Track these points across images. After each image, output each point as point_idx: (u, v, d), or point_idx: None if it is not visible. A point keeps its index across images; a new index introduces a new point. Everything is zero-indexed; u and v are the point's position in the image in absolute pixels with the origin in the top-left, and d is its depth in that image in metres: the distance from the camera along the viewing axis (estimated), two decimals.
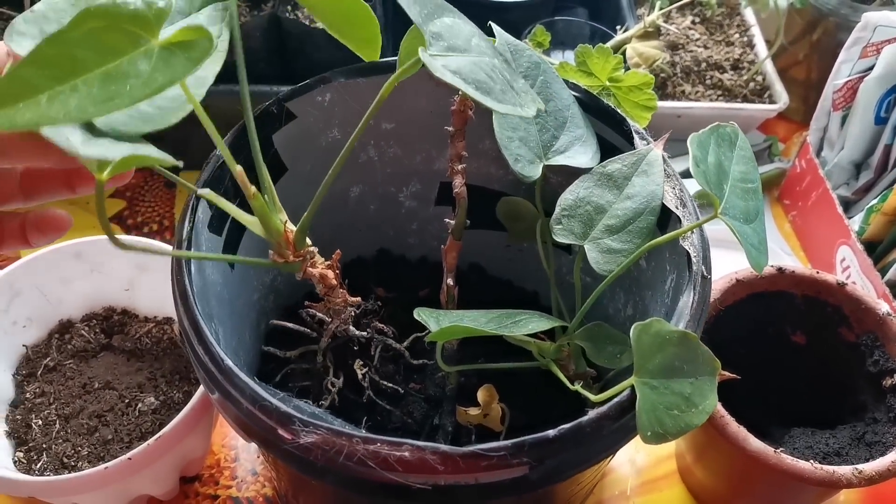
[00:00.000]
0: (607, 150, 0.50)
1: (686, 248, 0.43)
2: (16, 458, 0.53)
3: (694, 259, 0.43)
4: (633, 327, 0.38)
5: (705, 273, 0.43)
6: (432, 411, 0.53)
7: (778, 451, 0.48)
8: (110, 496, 0.51)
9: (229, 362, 0.39)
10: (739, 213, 0.42)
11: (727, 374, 0.40)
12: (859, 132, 0.69)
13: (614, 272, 0.43)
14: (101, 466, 0.47)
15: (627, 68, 0.66)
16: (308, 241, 0.42)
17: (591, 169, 0.46)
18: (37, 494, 0.47)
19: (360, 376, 0.51)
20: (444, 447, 0.35)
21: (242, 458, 0.61)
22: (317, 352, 0.52)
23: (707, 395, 0.38)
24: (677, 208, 0.45)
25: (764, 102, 0.81)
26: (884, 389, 0.54)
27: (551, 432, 0.36)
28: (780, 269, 0.56)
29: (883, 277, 0.64)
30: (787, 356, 0.60)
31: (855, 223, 0.68)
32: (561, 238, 0.44)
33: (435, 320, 0.42)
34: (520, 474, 0.36)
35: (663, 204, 0.45)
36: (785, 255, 0.76)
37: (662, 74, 0.82)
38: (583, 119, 0.48)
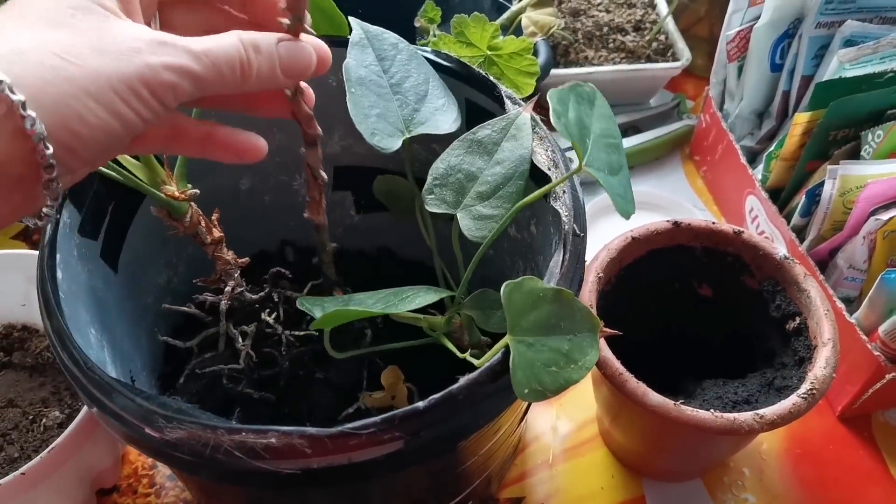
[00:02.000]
0: (482, 116, 0.49)
1: (557, 207, 0.43)
2: None
3: (564, 218, 0.42)
4: (503, 286, 0.38)
5: (577, 231, 0.42)
6: (340, 399, 0.53)
7: (678, 403, 0.48)
8: None
9: (94, 365, 0.38)
10: (604, 165, 0.42)
11: (609, 330, 0.40)
12: (756, 81, 0.70)
13: (488, 238, 0.43)
14: None
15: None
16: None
17: (459, 137, 0.45)
18: None
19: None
20: (310, 430, 0.34)
21: (160, 465, 0.60)
22: (217, 338, 0.52)
23: (587, 351, 0.38)
24: (549, 170, 0.45)
25: (668, 61, 0.82)
26: (788, 333, 0.55)
27: (421, 404, 0.36)
28: (675, 224, 0.56)
29: (788, 224, 0.65)
30: (696, 310, 0.60)
31: (759, 172, 0.68)
32: (433, 208, 0.44)
33: (320, 308, 0.41)
34: (394, 449, 0.35)
35: (537, 166, 0.45)
36: (697, 211, 0.76)
37: (564, 42, 0.82)
38: (443, 90, 0.47)
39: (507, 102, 0.48)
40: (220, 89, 0.33)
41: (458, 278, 0.49)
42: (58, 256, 0.42)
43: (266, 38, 0.34)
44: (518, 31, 0.75)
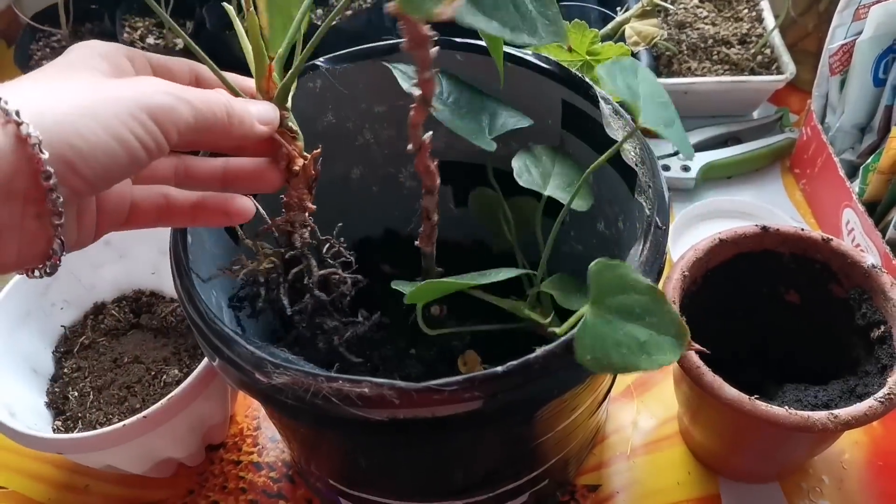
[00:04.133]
0: (577, 115, 0.53)
1: (641, 201, 0.46)
2: (55, 426, 0.59)
3: (647, 210, 0.45)
4: (594, 262, 0.40)
5: (659, 223, 0.45)
6: (430, 373, 0.56)
7: (753, 398, 0.50)
8: (134, 454, 0.56)
9: (214, 318, 0.43)
10: (658, 120, 0.45)
11: (696, 346, 0.42)
12: (858, 95, 0.70)
13: (568, 200, 0.46)
14: (119, 424, 0.51)
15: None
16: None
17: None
18: (63, 451, 0.52)
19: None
20: (399, 383, 0.38)
21: (264, 426, 0.66)
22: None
23: (665, 350, 0.39)
24: (636, 165, 0.47)
25: (772, 74, 0.82)
26: (872, 341, 0.55)
27: (500, 368, 0.39)
28: (764, 228, 0.58)
29: (884, 237, 0.65)
30: (783, 316, 0.61)
31: (856, 185, 0.69)
32: (525, 183, 0.50)
33: (411, 287, 0.45)
34: (473, 408, 0.39)
35: (626, 163, 0.48)
36: (794, 223, 0.76)
37: (668, 53, 0.83)
38: (504, 107, 0.53)
39: (602, 102, 0.51)
40: (211, 127, 0.36)
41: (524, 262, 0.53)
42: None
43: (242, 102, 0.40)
44: (622, 41, 0.77)
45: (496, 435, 0.46)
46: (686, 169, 0.79)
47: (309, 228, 0.49)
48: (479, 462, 0.49)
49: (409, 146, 0.42)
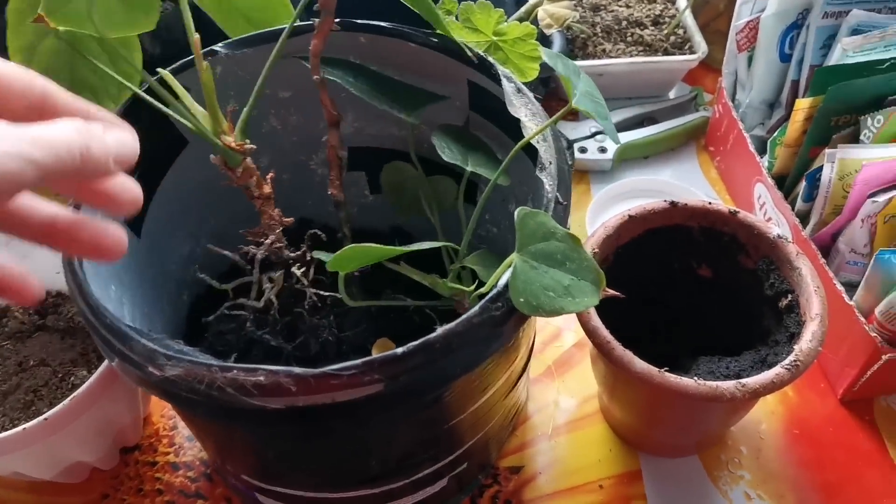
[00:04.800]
0: (482, 95, 0.53)
1: (542, 178, 0.46)
2: None
3: (548, 187, 0.45)
4: (518, 210, 0.41)
5: (560, 199, 0.45)
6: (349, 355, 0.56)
7: (663, 370, 0.50)
8: (41, 459, 0.54)
9: (107, 311, 0.41)
10: (591, 107, 0.45)
11: (611, 291, 0.43)
12: (765, 71, 0.71)
13: (492, 179, 0.47)
14: (20, 428, 0.49)
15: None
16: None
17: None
18: None
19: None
20: (296, 370, 0.37)
21: (180, 425, 0.64)
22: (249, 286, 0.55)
23: (587, 293, 0.40)
24: (538, 142, 0.47)
25: (685, 54, 0.83)
26: (780, 310, 0.56)
27: (399, 349, 0.38)
28: (672, 203, 0.58)
29: (793, 209, 0.66)
30: (696, 290, 0.62)
31: (766, 160, 0.70)
32: (447, 158, 0.50)
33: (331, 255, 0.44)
34: (375, 391, 0.38)
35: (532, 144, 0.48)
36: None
37: (582, 35, 0.84)
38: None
39: (504, 81, 0.50)
40: (60, 176, 0.29)
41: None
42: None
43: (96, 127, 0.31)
44: (535, 24, 0.77)
45: (405, 418, 0.45)
46: (603, 150, 0.80)
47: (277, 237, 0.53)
48: (391, 447, 0.49)
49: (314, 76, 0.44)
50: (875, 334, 0.58)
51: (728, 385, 0.49)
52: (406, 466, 0.51)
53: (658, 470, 0.61)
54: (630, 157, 0.81)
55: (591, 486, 0.60)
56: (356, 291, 0.56)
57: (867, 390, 0.63)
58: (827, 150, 0.60)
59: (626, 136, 0.80)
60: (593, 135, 0.81)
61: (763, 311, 0.58)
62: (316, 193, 0.65)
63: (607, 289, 0.42)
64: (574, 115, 0.86)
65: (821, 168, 0.60)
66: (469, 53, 0.52)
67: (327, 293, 0.55)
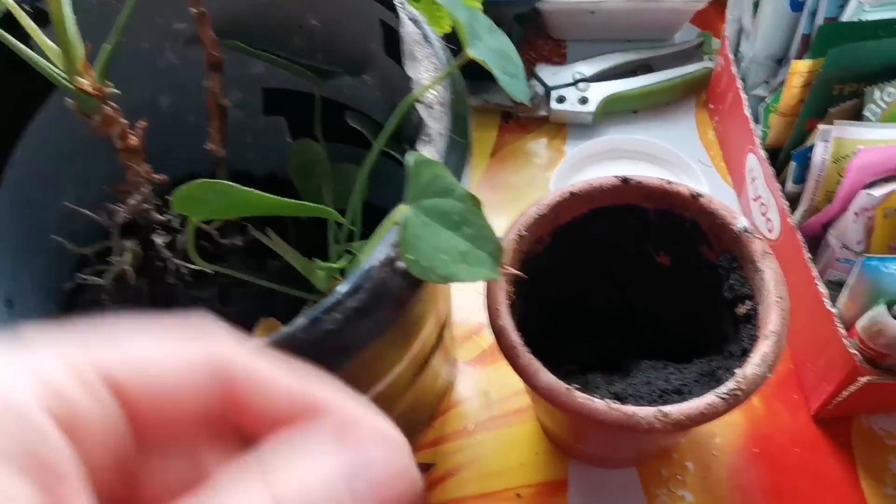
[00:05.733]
0: (392, 33, 0.44)
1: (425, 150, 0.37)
2: None
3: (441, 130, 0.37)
4: (409, 155, 0.34)
5: (457, 137, 0.37)
6: None
7: (571, 387, 0.42)
8: None
9: None
10: (497, 64, 0.38)
11: (511, 269, 0.38)
12: (772, 20, 0.59)
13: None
14: None
15: None
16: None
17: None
18: None
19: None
20: None
21: None
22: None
23: (484, 265, 0.34)
24: (430, 107, 0.39)
25: None
26: (738, 318, 0.47)
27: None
28: (624, 180, 0.49)
29: (783, 190, 0.56)
30: (652, 279, 0.53)
31: (760, 128, 0.59)
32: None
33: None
34: None
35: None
36: (703, 167, 0.67)
37: None
38: None
39: (406, 23, 0.42)
40: None
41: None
42: None
43: None
44: None
45: None
46: (584, 101, 0.69)
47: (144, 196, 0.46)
48: None
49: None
50: (855, 351, 0.49)
51: (646, 413, 0.41)
52: None
53: (588, 482, 0.53)
54: (617, 111, 0.71)
55: (508, 494, 0.53)
56: (239, 262, 0.49)
57: (845, 409, 0.54)
58: (821, 127, 0.49)
59: (613, 87, 0.70)
60: (576, 82, 0.70)
61: (722, 314, 0.49)
62: (232, 138, 0.58)
63: (506, 266, 0.36)
64: (557, 59, 0.75)
65: (813, 146, 0.50)
66: None
67: (198, 266, 0.48)
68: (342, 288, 0.33)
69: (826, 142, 0.49)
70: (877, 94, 0.49)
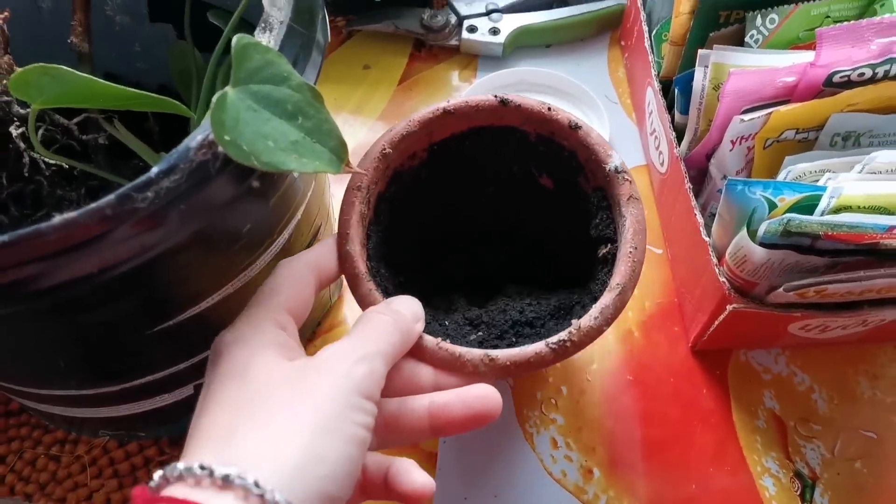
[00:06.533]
0: None
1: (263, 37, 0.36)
2: None
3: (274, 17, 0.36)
4: (236, 37, 0.33)
5: (298, 27, 0.37)
6: None
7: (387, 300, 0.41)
8: None
9: None
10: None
11: (355, 168, 0.37)
12: None
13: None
14: None
15: None
16: None
17: None
18: None
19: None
20: None
21: None
22: None
23: (320, 159, 0.34)
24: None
25: None
26: (598, 259, 0.47)
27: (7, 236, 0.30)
28: (502, 102, 0.48)
29: (672, 123, 0.56)
30: (534, 201, 0.53)
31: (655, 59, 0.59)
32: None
33: None
34: None
35: None
36: (609, 104, 0.67)
37: None
38: None
39: None
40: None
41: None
42: None
43: None
44: None
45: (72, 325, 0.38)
46: (495, 32, 0.69)
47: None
48: (93, 350, 0.41)
49: None
50: (724, 279, 0.49)
51: (472, 356, 0.40)
52: (128, 370, 0.44)
53: None
54: (528, 44, 0.70)
55: None
56: (101, 160, 0.48)
57: (717, 341, 0.54)
58: (700, 52, 0.49)
59: (524, 19, 0.69)
60: (489, 13, 0.70)
61: (590, 250, 0.49)
62: (119, 46, 0.57)
63: (352, 165, 0.36)
64: None
65: (693, 73, 0.50)
66: None
67: (48, 159, 0.47)
68: (157, 167, 0.32)
69: (706, 66, 0.49)
70: (759, 20, 0.48)
